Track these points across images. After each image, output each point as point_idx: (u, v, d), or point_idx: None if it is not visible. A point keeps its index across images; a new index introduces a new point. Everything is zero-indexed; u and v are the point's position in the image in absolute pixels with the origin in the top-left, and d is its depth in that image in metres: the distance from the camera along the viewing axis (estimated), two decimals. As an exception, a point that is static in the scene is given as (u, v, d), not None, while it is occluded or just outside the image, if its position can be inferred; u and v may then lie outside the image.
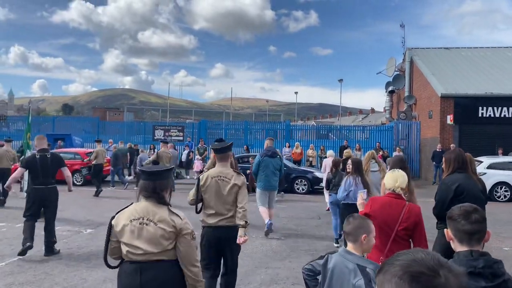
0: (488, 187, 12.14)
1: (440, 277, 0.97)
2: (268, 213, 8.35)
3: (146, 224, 2.65)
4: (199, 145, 19.82)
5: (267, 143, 8.89)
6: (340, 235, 7.20)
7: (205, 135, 22.64)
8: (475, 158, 8.35)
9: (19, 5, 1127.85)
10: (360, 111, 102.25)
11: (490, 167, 13.99)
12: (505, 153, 16.63)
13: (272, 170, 8.39)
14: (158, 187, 2.74)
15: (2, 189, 11.10)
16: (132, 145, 19.44)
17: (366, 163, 7.04)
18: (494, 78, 19.68)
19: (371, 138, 22.89)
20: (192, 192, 4.29)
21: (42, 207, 6.77)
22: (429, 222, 4.38)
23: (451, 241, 2.13)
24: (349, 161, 6.85)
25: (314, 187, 14.81)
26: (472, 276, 1.86)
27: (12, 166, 11.36)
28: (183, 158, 19.59)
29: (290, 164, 16.45)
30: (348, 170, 6.74)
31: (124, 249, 2.68)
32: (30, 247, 6.37)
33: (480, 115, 18.01)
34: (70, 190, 7.27)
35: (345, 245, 2.76)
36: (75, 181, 14.80)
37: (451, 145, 16.81)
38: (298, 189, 14.89)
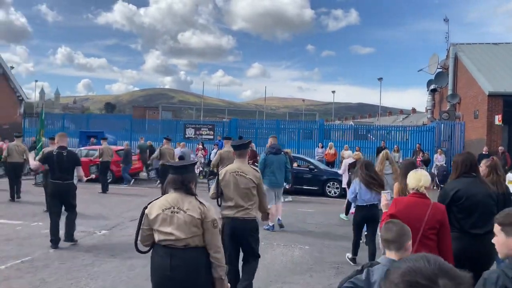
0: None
1: (437, 286, 0.99)
2: (276, 209, 8.60)
3: (177, 212, 2.91)
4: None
5: (270, 140, 8.98)
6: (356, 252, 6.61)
7: (236, 134, 22.10)
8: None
9: (66, 7, 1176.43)
10: (401, 111, 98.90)
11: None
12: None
13: (277, 167, 8.47)
14: (186, 180, 3.01)
15: (15, 184, 11.30)
16: (152, 143, 19.26)
17: (381, 163, 6.90)
18: (549, 75, 18.04)
19: (411, 139, 21.42)
20: (213, 187, 4.66)
21: (61, 202, 6.99)
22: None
23: None
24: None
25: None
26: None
27: (23, 160, 11.48)
28: (212, 157, 19.17)
29: (322, 166, 15.63)
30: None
31: (157, 235, 2.94)
32: (56, 241, 6.78)
33: (532, 115, 16.50)
34: (82, 180, 7.75)
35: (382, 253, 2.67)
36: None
37: (499, 148, 15.67)
38: (329, 192, 14.03)
